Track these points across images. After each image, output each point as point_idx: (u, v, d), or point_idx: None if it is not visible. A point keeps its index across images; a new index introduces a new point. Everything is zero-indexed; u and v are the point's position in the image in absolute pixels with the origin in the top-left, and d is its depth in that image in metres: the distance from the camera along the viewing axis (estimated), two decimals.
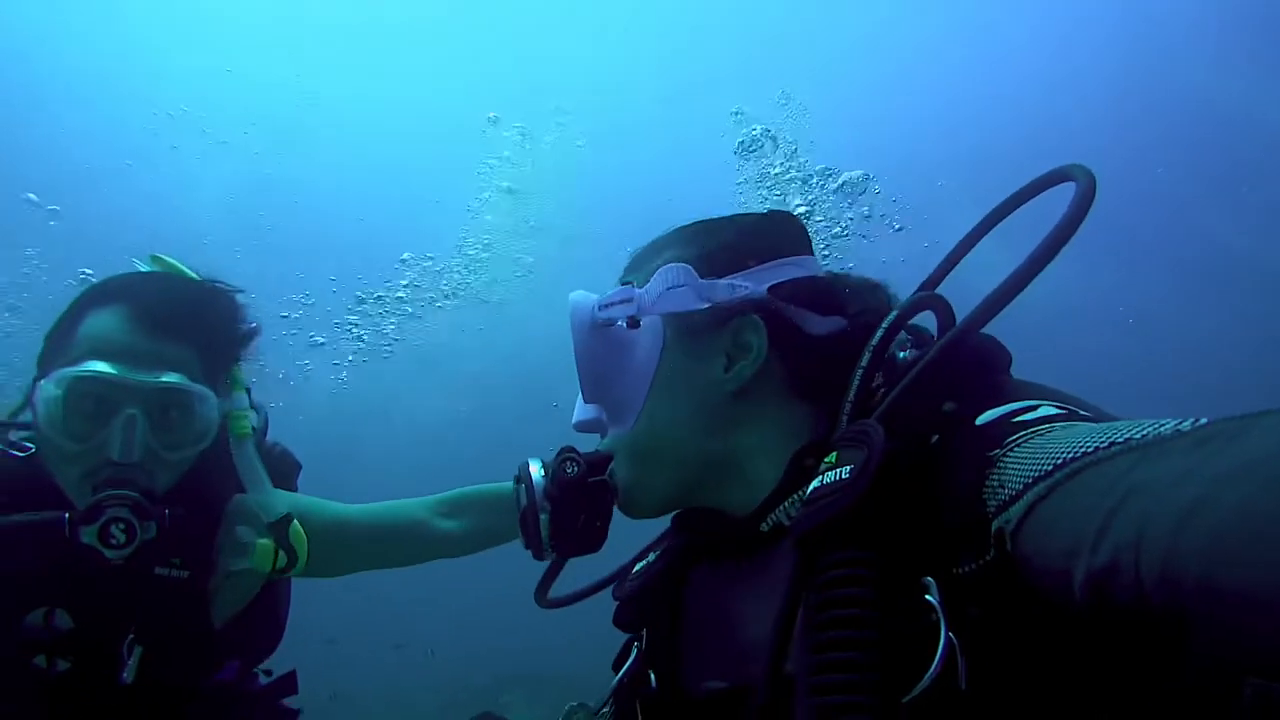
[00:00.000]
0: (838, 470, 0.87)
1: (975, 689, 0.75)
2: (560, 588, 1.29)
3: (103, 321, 1.45)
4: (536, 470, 1.15)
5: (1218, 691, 0.59)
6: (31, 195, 11.60)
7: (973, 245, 1.20)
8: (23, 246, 11.64)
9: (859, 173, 9.19)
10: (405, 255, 12.67)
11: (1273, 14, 13.26)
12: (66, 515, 1.40)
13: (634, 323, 1.11)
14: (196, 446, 1.51)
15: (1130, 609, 0.57)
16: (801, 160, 9.23)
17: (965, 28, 14.53)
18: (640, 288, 1.11)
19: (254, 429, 1.68)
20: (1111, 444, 0.67)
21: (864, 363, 1.00)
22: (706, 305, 1.08)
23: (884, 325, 1.02)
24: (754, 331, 1.07)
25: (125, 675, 1.49)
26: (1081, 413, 0.86)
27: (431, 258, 12.80)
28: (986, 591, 0.76)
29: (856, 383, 0.99)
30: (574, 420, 1.19)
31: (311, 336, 12.43)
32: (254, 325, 1.67)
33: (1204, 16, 13.61)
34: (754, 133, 9.21)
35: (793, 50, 13.77)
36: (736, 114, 9.46)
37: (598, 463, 1.13)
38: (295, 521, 1.63)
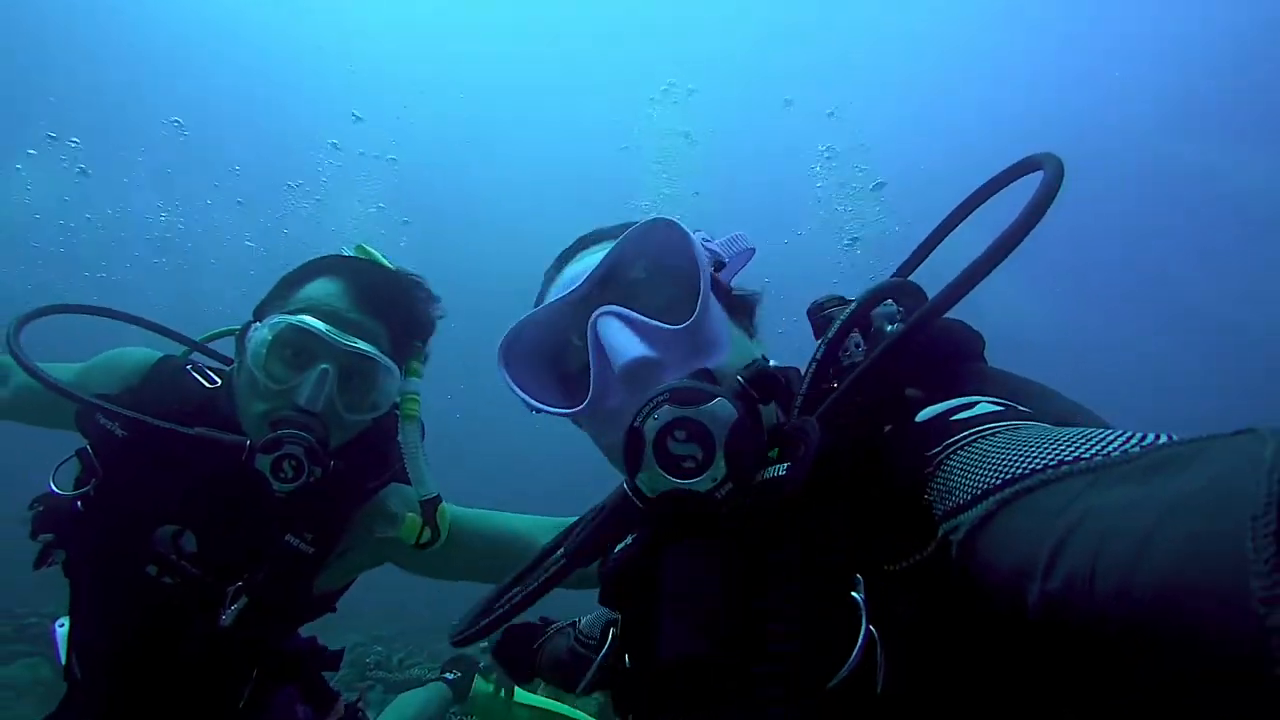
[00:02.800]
0: (777, 466, 0.91)
1: (896, 685, 0.78)
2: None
3: (323, 287, 1.63)
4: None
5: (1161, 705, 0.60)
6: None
7: (946, 234, 1.22)
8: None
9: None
10: None
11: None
12: (249, 441, 1.55)
13: (720, 265, 1.13)
14: (372, 413, 1.65)
15: (1084, 632, 0.58)
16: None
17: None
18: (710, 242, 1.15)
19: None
20: (1061, 463, 0.67)
21: (817, 355, 1.02)
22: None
23: (840, 320, 1.03)
24: (753, 316, 1.17)
25: (224, 618, 1.63)
26: (1021, 409, 0.88)
27: None
28: (917, 587, 0.79)
29: (808, 378, 1.01)
30: (632, 356, 0.98)
31: None
32: (434, 319, 1.79)
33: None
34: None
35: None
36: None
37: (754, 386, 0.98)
38: (444, 503, 1.79)
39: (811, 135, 14.75)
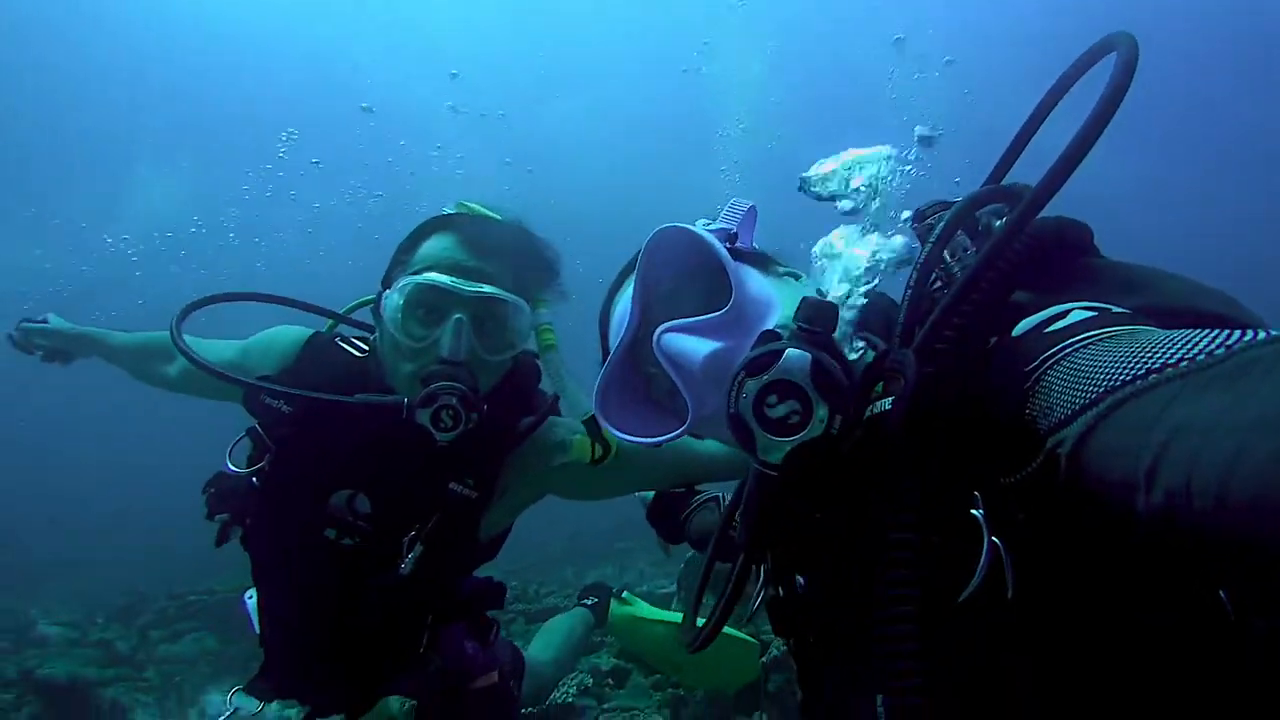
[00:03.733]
0: (882, 401, 0.96)
1: (1022, 591, 0.83)
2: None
3: (439, 243, 1.70)
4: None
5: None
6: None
7: (1033, 134, 1.20)
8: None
9: None
10: None
11: None
12: (405, 400, 1.63)
13: (732, 237, 1.16)
14: (512, 351, 1.73)
15: (1189, 541, 0.63)
16: None
17: None
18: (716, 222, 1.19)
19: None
20: (1149, 371, 0.69)
21: (911, 280, 1.04)
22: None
23: (933, 236, 1.05)
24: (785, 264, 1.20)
25: (404, 567, 1.76)
26: (1115, 311, 0.89)
27: None
28: (1031, 497, 0.82)
29: (906, 303, 1.03)
30: (703, 354, 1.02)
31: None
32: (557, 257, 1.84)
33: None
34: None
35: None
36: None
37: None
38: None
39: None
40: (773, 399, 0.92)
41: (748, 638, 3.43)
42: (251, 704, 2.07)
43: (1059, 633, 0.84)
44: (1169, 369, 0.68)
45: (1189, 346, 0.69)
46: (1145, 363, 0.70)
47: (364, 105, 15.66)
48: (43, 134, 17.59)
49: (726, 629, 3.37)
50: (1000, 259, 0.93)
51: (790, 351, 0.92)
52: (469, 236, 1.70)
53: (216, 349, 2.00)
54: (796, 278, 1.19)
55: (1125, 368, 0.72)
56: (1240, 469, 0.56)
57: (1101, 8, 10.92)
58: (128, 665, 5.36)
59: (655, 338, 1.08)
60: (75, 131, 17.53)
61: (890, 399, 0.93)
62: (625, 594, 3.67)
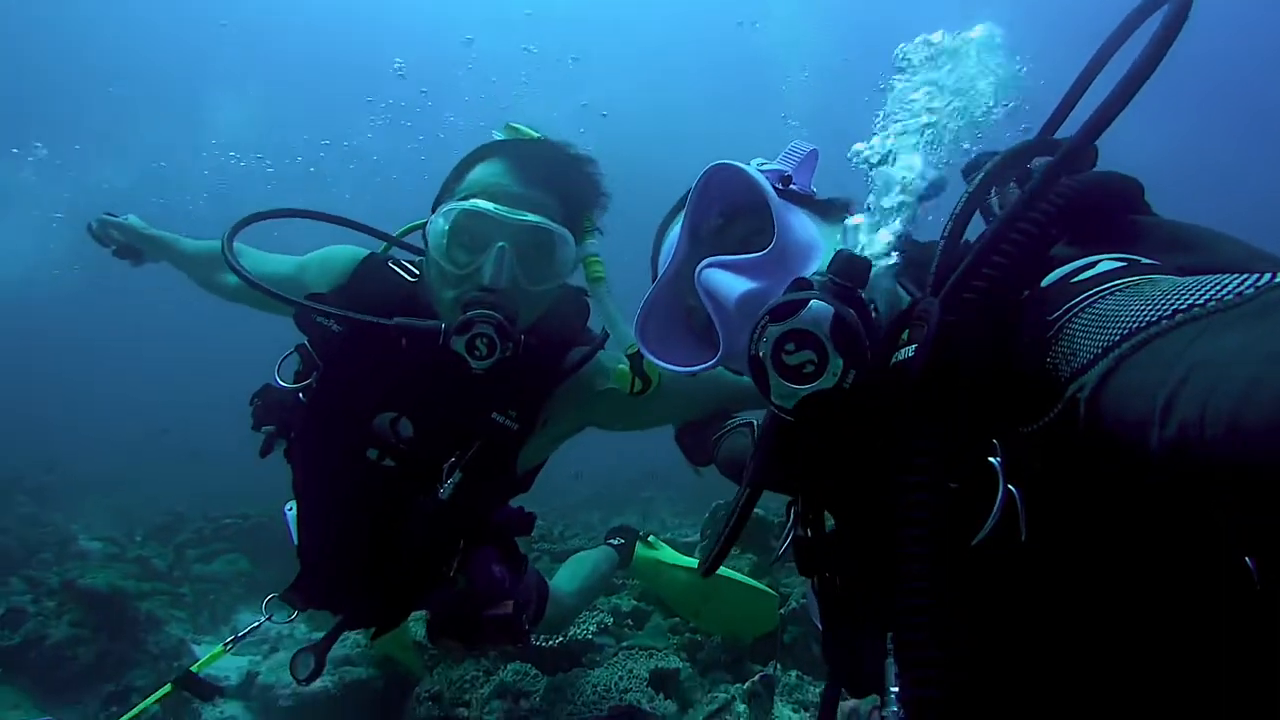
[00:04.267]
0: (906, 349, 0.96)
1: (1035, 537, 0.83)
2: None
3: (487, 169, 1.69)
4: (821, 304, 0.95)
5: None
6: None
7: (1084, 90, 1.16)
8: None
9: None
10: None
11: None
12: (443, 325, 1.64)
13: (786, 179, 1.17)
14: (555, 281, 1.72)
15: (1202, 474, 0.62)
16: None
17: None
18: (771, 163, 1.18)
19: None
20: (1176, 312, 0.69)
21: (945, 231, 1.04)
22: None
23: (965, 194, 1.05)
24: (848, 209, 1.19)
25: (442, 491, 1.79)
26: (1143, 262, 0.88)
27: None
28: (1050, 447, 0.82)
29: (939, 253, 1.03)
30: (739, 292, 1.06)
31: None
32: (600, 183, 1.82)
33: None
34: None
35: None
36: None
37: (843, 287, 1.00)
38: None
39: None
40: (791, 346, 0.95)
41: (766, 588, 3.47)
42: (284, 614, 2.13)
43: (1070, 581, 0.85)
44: (1195, 308, 0.68)
45: (1216, 288, 0.68)
46: (1172, 304, 0.70)
47: (468, 37, 16.17)
48: (127, 56, 18.17)
49: (746, 579, 3.41)
50: (1034, 210, 0.93)
51: (815, 303, 0.94)
52: (517, 163, 1.68)
53: (275, 263, 2.04)
54: (849, 211, 1.18)
55: (1150, 310, 0.71)
56: (1255, 396, 0.55)
57: None
58: (164, 581, 5.54)
59: (696, 272, 1.11)
60: (155, 60, 18.12)
61: (913, 346, 0.94)
62: (651, 538, 3.71)
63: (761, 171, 1.16)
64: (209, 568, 6.15)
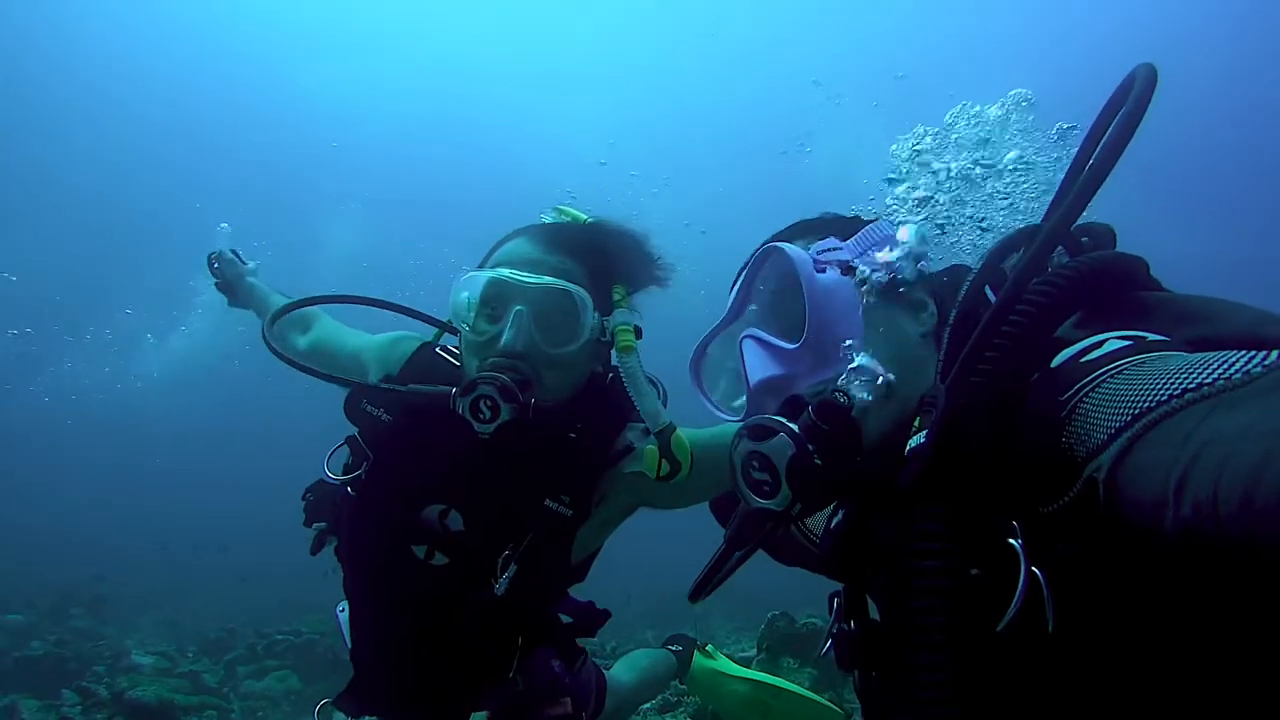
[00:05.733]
0: (918, 435, 0.96)
1: (1062, 624, 0.80)
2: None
3: (512, 244, 1.71)
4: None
5: None
6: None
7: (1084, 167, 1.13)
8: None
9: None
10: None
11: None
12: (453, 390, 1.60)
13: (848, 269, 1.15)
14: (576, 344, 1.64)
15: (1217, 554, 0.61)
16: None
17: None
18: (843, 243, 1.18)
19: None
20: (1185, 390, 0.69)
21: (950, 320, 1.06)
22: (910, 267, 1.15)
23: (963, 289, 1.07)
24: (926, 291, 1.17)
25: (498, 587, 1.69)
26: (1150, 339, 0.89)
27: None
28: (1072, 527, 0.80)
29: (945, 342, 1.04)
30: (761, 377, 1.12)
31: None
32: (648, 257, 1.78)
33: None
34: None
35: None
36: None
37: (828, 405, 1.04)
38: (678, 431, 1.68)
39: None
40: (756, 464, 1.03)
41: (829, 703, 3.28)
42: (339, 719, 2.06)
43: (1099, 666, 0.81)
44: (1205, 387, 0.68)
45: (1225, 366, 0.68)
46: (1181, 383, 0.70)
47: (601, 162, 18.44)
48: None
49: (808, 692, 3.23)
50: (1032, 293, 0.95)
51: (782, 437, 1.00)
52: (544, 234, 1.69)
53: (343, 338, 2.06)
54: (925, 309, 1.18)
55: (1160, 389, 0.71)
56: (1267, 471, 0.54)
57: None
58: (214, 695, 5.48)
59: (740, 336, 1.18)
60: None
61: (924, 433, 0.95)
62: (709, 647, 3.57)
63: (822, 254, 1.16)
64: (259, 684, 6.09)
